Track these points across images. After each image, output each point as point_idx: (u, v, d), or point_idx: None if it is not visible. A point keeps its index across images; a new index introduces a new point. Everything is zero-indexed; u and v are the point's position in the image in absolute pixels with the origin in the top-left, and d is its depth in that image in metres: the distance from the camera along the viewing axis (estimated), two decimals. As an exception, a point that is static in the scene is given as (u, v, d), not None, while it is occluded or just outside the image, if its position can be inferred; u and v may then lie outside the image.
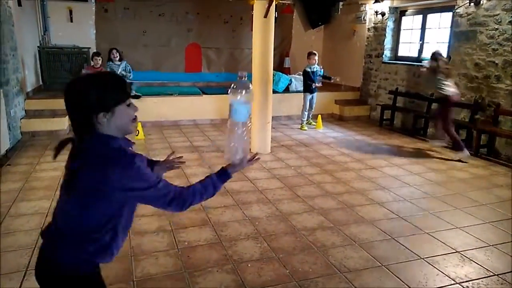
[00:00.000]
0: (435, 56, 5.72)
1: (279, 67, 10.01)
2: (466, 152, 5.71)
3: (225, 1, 9.37)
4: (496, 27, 5.96)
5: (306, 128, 7.78)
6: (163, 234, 3.38)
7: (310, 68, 7.58)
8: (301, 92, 8.67)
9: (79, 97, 1.37)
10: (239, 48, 9.89)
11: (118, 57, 7.46)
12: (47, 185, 4.48)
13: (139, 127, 6.76)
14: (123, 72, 7.36)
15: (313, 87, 7.66)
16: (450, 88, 5.68)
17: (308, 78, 7.60)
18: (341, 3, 9.82)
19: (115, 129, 1.40)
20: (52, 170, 4.97)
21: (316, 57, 7.65)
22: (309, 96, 7.73)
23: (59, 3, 8.44)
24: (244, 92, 1.53)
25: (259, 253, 3.10)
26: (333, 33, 10.30)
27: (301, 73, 8.04)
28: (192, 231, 3.44)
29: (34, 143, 6.23)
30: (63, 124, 6.87)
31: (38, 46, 8.05)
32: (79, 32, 8.63)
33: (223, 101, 8.36)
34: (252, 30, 5.81)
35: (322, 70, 7.86)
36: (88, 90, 1.36)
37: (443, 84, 5.65)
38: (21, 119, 6.49)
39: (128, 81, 7.38)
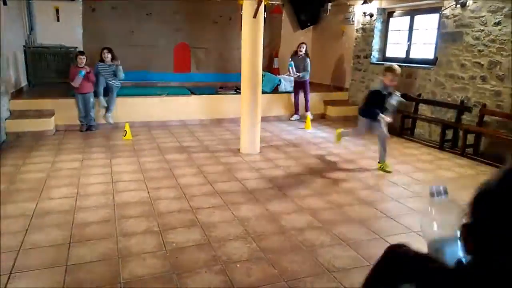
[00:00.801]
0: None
1: (268, 67, 10.03)
2: (297, 116, 8.45)
3: (213, 1, 9.36)
4: (481, 28, 6.05)
5: (390, 169, 5.24)
6: (151, 235, 3.35)
7: (385, 90, 5.09)
8: (290, 92, 8.69)
9: None
10: (228, 48, 9.87)
11: (110, 57, 7.18)
12: (33, 186, 4.40)
13: (127, 128, 6.70)
14: (113, 69, 7.16)
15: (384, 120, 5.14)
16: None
17: (380, 103, 5.14)
18: (329, 4, 9.87)
19: None
20: (37, 172, 4.89)
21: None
22: (371, 123, 5.29)
23: (46, 2, 8.33)
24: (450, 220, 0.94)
25: (248, 254, 3.09)
26: (322, 33, 10.35)
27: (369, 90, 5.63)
28: (180, 232, 3.42)
29: (19, 144, 6.13)
30: (49, 124, 6.78)
31: (23, 46, 7.93)
32: (66, 31, 8.53)
33: (212, 101, 8.36)
34: (241, 30, 5.80)
35: (399, 97, 5.35)
36: None
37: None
38: (6, 119, 6.38)
39: (116, 81, 7.27)
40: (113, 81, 7.23)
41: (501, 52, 5.76)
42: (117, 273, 2.79)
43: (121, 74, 7.31)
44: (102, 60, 7.18)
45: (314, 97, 9.01)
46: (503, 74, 5.76)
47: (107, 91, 7.23)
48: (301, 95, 8.46)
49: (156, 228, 3.49)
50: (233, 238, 3.35)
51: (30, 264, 2.87)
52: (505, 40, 5.70)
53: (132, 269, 2.84)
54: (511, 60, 5.63)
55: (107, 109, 7.25)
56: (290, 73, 8.40)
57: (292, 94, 8.58)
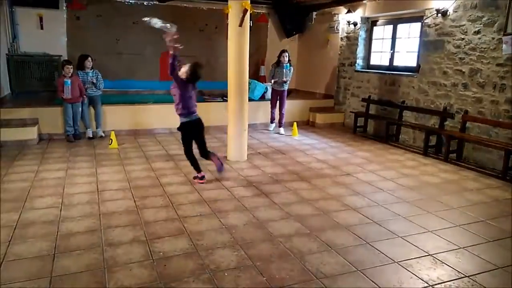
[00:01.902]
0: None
1: (255, 75, 10.08)
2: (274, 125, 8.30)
3: (199, 10, 9.40)
4: (462, 37, 6.21)
5: None
6: (138, 245, 3.31)
7: None
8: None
9: None
10: (214, 56, 9.89)
11: (92, 65, 7.11)
12: (16, 196, 4.32)
13: (113, 136, 6.64)
14: (93, 81, 7.04)
15: None
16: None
17: None
18: (314, 13, 10.05)
19: None
20: (21, 181, 4.81)
21: None
22: None
23: (29, 10, 8.24)
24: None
25: (236, 262, 3.08)
26: (307, 42, 10.46)
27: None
28: (167, 241, 3.39)
29: (2, 153, 6.00)
30: (32, 133, 6.67)
31: (6, 54, 7.82)
32: (50, 39, 8.44)
33: (199, 109, 8.27)
34: (227, 39, 5.83)
35: None
36: None
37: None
38: (-12, 129, 6.25)
39: (96, 90, 7.13)
40: (93, 90, 7.12)
41: (481, 60, 5.91)
42: (103, 283, 2.75)
43: (102, 84, 7.22)
44: (82, 68, 7.03)
45: (301, 104, 9.09)
46: (483, 81, 5.90)
47: (91, 104, 7.19)
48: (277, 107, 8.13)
49: (143, 237, 3.46)
50: (221, 246, 3.33)
51: (13, 276, 2.81)
52: (484, 48, 5.85)
53: (118, 280, 2.80)
54: (490, 68, 5.78)
55: (97, 124, 7.23)
56: (284, 79, 7.86)
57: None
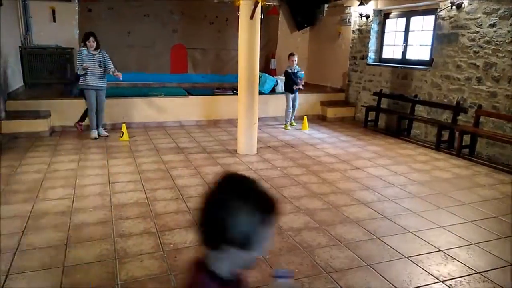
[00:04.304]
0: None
1: (265, 68, 10.04)
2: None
3: (210, 2, 9.36)
4: (477, 30, 6.09)
5: (289, 128, 7.93)
6: (148, 237, 3.35)
7: (290, 69, 7.81)
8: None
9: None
10: (225, 49, 9.87)
11: (95, 45, 6.28)
12: (29, 187, 4.39)
13: (124, 129, 6.69)
14: (101, 65, 6.33)
15: (295, 88, 7.84)
16: None
17: (289, 79, 7.81)
18: (326, 6, 9.96)
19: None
20: (33, 173, 4.88)
21: (296, 58, 7.83)
22: (290, 96, 7.89)
23: (42, 3, 8.30)
24: None
25: (246, 254, 3.09)
26: (318, 35, 10.37)
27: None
28: (178, 233, 3.42)
29: (15, 145, 6.10)
30: (44, 125, 6.74)
31: (19, 46, 7.90)
32: (62, 32, 8.51)
33: (209, 102, 8.36)
34: (238, 31, 5.80)
35: (303, 72, 8.12)
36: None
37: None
38: (1, 120, 6.34)
39: (101, 80, 6.45)
40: (99, 81, 6.40)
41: (497, 54, 5.80)
42: (114, 274, 2.79)
43: (111, 65, 6.40)
44: (86, 47, 6.27)
45: (311, 98, 9.04)
46: (498, 75, 5.79)
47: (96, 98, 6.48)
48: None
49: (153, 229, 3.49)
50: (231, 239, 3.34)
51: (27, 265, 2.86)
52: (500, 41, 5.74)
53: (129, 270, 2.83)
54: (506, 62, 5.67)
55: (98, 123, 6.67)
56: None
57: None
